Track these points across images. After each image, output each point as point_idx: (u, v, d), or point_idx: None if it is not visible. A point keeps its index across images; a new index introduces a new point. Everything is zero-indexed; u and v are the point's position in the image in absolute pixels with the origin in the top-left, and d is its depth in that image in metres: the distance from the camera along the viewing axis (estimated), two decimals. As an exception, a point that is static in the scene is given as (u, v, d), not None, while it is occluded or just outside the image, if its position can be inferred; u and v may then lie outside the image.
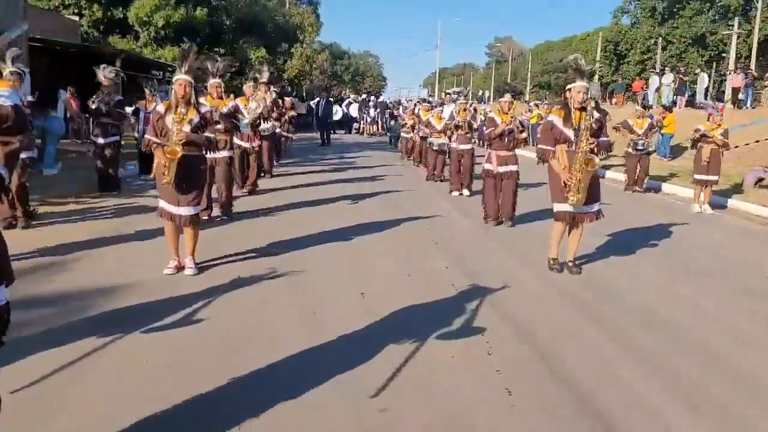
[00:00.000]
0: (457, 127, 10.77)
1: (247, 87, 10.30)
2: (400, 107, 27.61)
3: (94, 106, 9.66)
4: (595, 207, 6.11)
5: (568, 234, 6.24)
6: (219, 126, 7.85)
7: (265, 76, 12.20)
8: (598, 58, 69.17)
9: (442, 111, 12.66)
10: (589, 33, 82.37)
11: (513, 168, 8.34)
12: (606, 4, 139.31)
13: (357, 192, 10.98)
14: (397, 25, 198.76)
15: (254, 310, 4.81)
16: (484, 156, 8.78)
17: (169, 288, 5.23)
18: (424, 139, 15.53)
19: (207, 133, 5.58)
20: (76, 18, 26.59)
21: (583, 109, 5.99)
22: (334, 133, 26.39)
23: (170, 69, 27.45)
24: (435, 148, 12.62)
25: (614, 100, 36.67)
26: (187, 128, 5.43)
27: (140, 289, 5.16)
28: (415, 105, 17.71)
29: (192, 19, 28.91)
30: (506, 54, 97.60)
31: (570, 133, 5.97)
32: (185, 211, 5.54)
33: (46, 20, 24.20)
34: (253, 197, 10.15)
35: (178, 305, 4.78)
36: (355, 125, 31.10)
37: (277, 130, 14.86)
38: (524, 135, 8.58)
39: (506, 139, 8.27)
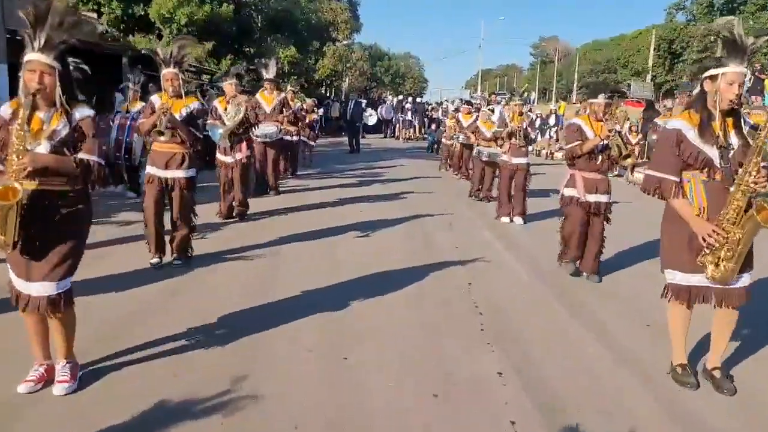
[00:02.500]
0: (510, 135, 8.25)
1: (228, 86, 7.99)
2: (440, 109, 25.16)
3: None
4: (745, 278, 3.54)
5: (714, 327, 3.70)
6: (162, 138, 5.59)
7: (271, 72, 9.99)
8: (651, 57, 65.82)
9: (492, 113, 10.15)
10: (641, 31, 78.71)
11: (604, 198, 5.82)
12: (658, 1, 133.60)
13: (377, 217, 8.56)
14: (439, 25, 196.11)
15: None
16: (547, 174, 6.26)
17: None
18: (467, 147, 13.05)
19: (84, 154, 3.23)
20: (95, 15, 25.05)
21: (733, 112, 3.47)
22: (364, 137, 24.00)
23: (192, 69, 25.79)
24: (485, 158, 10.06)
25: (677, 100, 33.53)
26: (43, 147, 3.11)
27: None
28: (456, 108, 15.07)
29: (217, 16, 27.07)
30: (552, 54, 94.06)
31: (712, 152, 3.43)
32: (39, 289, 3.21)
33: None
34: (237, 226, 7.84)
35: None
36: (391, 128, 28.72)
37: (294, 137, 12.65)
38: (630, 161, 5.98)
39: (598, 157, 5.74)
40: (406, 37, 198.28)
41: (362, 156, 18.98)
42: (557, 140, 21.88)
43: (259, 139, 10.00)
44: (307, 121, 14.30)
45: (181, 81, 5.73)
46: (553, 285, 5.71)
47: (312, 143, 15.11)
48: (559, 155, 21.14)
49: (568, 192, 5.86)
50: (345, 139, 21.66)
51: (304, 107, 14.91)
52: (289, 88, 13.26)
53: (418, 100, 32.17)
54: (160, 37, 26.62)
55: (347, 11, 35.52)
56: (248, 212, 8.38)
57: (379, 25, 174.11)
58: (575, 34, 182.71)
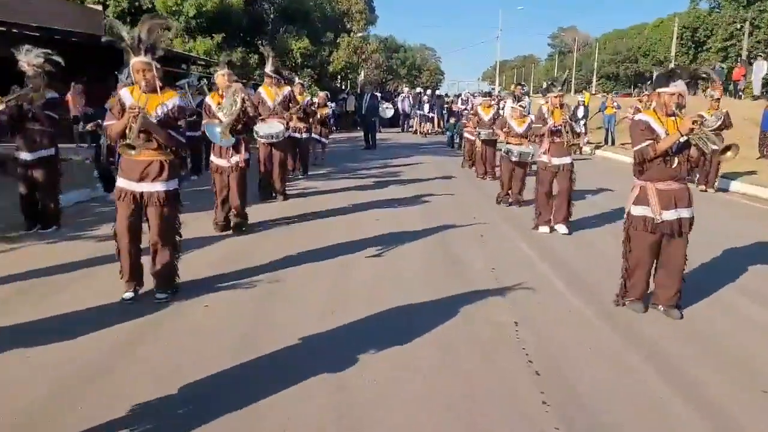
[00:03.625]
0: (552, 132, 7.06)
1: (220, 77, 6.93)
2: (459, 100, 23.92)
3: (0, 107, 6.42)
4: None
5: None
6: (132, 152, 4.48)
7: (269, 67, 8.94)
8: (673, 46, 63.88)
9: (524, 108, 8.99)
10: (663, 20, 76.69)
11: (686, 214, 4.63)
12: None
13: (396, 228, 7.45)
14: (454, 15, 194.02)
15: None
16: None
17: None
18: (489, 143, 11.90)
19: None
20: (100, 8, 24.17)
21: None
22: (381, 132, 22.81)
23: (201, 62, 24.77)
24: (514, 158, 8.89)
25: (715, 91, 31.96)
26: None
27: None
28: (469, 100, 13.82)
29: (227, 8, 26.03)
30: (570, 44, 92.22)
31: None
32: None
33: (67, 10, 21.97)
34: (234, 240, 6.74)
35: None
36: (409, 122, 27.52)
37: (303, 134, 11.58)
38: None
39: (675, 161, 4.57)
40: (421, 27, 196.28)
41: (379, 152, 17.81)
42: (586, 133, 20.57)
43: (263, 140, 8.95)
44: (318, 116, 13.16)
45: (156, 72, 4.63)
46: (621, 325, 4.52)
47: (324, 140, 13.97)
48: (587, 149, 19.85)
49: (638, 211, 4.67)
50: (361, 134, 20.51)
51: (316, 101, 13.79)
52: (297, 81, 12.15)
53: (437, 92, 30.84)
54: (167, 29, 25.64)
55: (362, 1, 34.30)
56: (249, 222, 7.32)
57: (394, 17, 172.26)
58: (595, 23, 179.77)
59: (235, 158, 6.86)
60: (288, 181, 10.17)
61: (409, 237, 7.00)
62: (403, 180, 11.99)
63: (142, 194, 4.64)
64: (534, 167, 9.06)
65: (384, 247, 6.51)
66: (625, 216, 4.86)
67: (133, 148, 4.38)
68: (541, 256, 6.38)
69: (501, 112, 12.74)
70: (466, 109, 17.54)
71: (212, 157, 7.02)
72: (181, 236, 4.98)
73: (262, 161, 9.13)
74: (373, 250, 6.40)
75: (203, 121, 7.15)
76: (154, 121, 4.59)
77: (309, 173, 12.42)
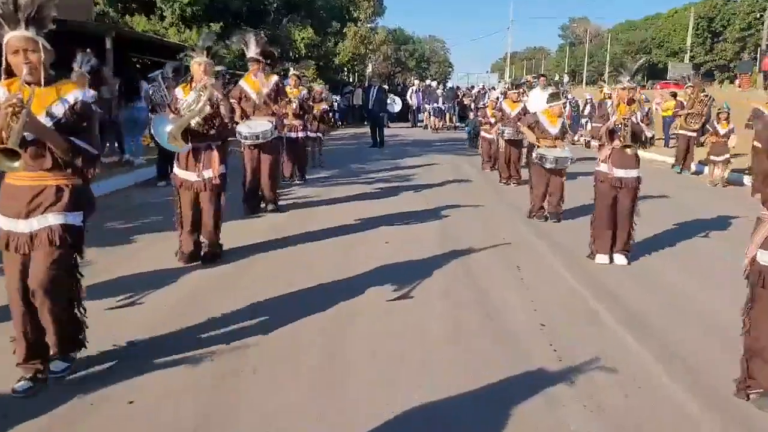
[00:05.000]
0: (612, 134, 5.47)
1: (195, 65, 5.41)
2: (473, 93, 22.30)
3: None
4: None
5: None
6: (16, 164, 2.89)
7: (253, 50, 7.41)
8: (689, 37, 61.96)
9: (565, 103, 7.43)
10: (678, 10, 74.76)
11: None
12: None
13: (408, 255, 5.91)
14: (464, 5, 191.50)
15: None
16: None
17: None
18: (513, 144, 10.32)
19: None
20: (91, -7, 22.63)
21: None
22: (389, 127, 21.18)
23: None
24: (549, 165, 7.29)
25: (737, 82, 30.66)
26: None
27: None
28: (505, 92, 12.07)
29: (226, -5, 24.44)
30: (581, 35, 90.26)
31: None
32: None
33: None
34: (198, 278, 5.19)
35: None
36: (420, 116, 25.88)
37: (299, 133, 10.08)
38: None
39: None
40: (430, 18, 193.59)
41: (387, 151, 16.20)
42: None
43: (248, 142, 7.43)
44: (315, 112, 11.56)
45: (43, 55, 3.07)
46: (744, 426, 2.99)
47: (320, 135, 12.30)
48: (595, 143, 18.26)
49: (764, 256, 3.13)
50: (367, 129, 18.87)
51: (313, 95, 12.19)
52: (291, 72, 10.55)
53: (449, 85, 29.23)
54: (162, 17, 24.11)
55: (369, -11, 32.67)
56: (224, 249, 5.80)
57: (403, 8, 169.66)
58: (607, 14, 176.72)
59: (208, 173, 5.30)
60: (281, 188, 8.66)
61: (427, 269, 5.45)
62: (415, 186, 10.42)
63: (32, 236, 3.12)
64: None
65: (396, 287, 4.95)
66: (746, 265, 3.30)
67: (16, 155, 2.83)
68: (605, 304, 4.76)
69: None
70: (482, 103, 15.83)
71: (176, 169, 5.48)
72: (80, 285, 3.40)
73: (247, 167, 7.62)
74: (382, 291, 4.86)
75: (168, 115, 5.57)
76: (50, 124, 3.07)
77: (307, 177, 10.86)
